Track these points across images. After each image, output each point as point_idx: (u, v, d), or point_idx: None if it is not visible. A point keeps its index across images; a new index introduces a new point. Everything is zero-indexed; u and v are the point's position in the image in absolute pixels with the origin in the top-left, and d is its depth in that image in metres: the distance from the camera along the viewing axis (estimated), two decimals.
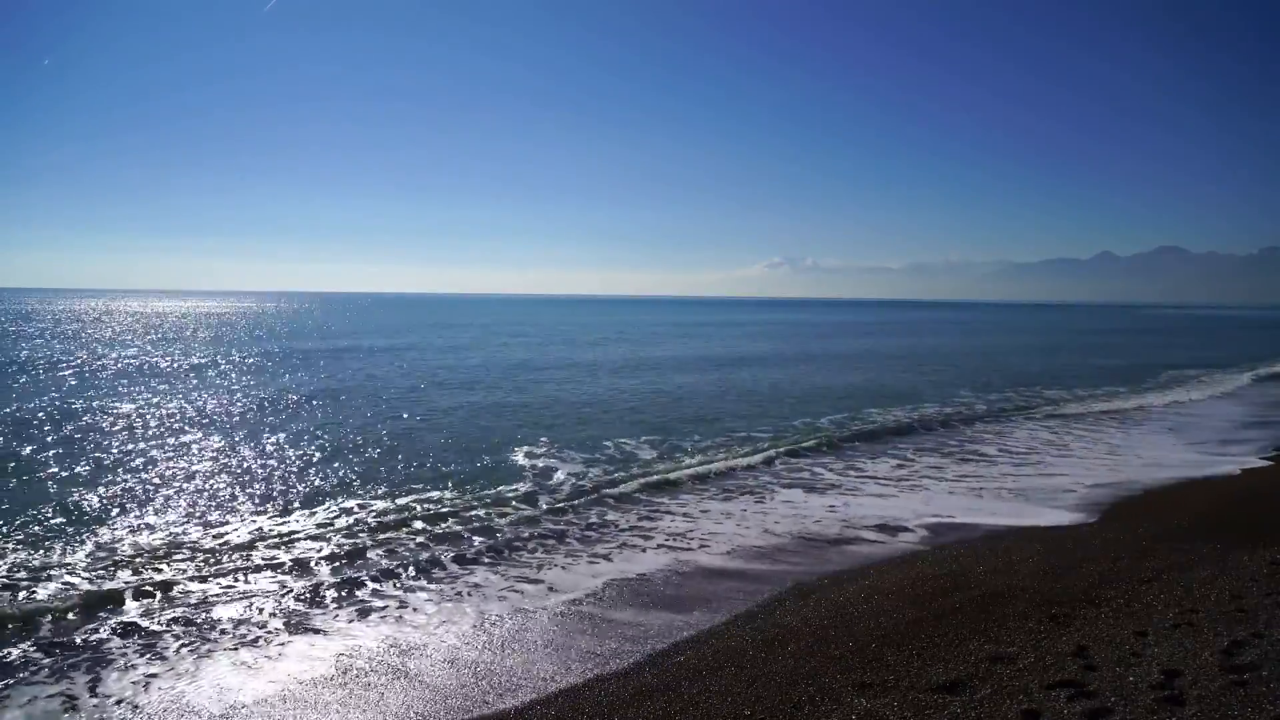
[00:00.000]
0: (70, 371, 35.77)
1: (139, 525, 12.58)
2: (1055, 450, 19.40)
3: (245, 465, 17.15)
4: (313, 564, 10.95)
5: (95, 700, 7.20)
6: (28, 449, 18.25)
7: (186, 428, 21.70)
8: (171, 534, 12.13)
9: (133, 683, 7.52)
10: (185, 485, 15.25)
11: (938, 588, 9.36)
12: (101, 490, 14.65)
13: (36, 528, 12.28)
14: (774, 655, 7.69)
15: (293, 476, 16.14)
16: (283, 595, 9.76)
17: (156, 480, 15.57)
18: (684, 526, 12.78)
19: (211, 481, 15.59)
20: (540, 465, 17.42)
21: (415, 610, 9.36)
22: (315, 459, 17.80)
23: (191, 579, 10.23)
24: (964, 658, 7.25)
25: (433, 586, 10.16)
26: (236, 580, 10.25)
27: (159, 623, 8.89)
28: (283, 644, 8.39)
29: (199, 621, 8.94)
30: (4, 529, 12.18)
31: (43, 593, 9.67)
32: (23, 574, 10.26)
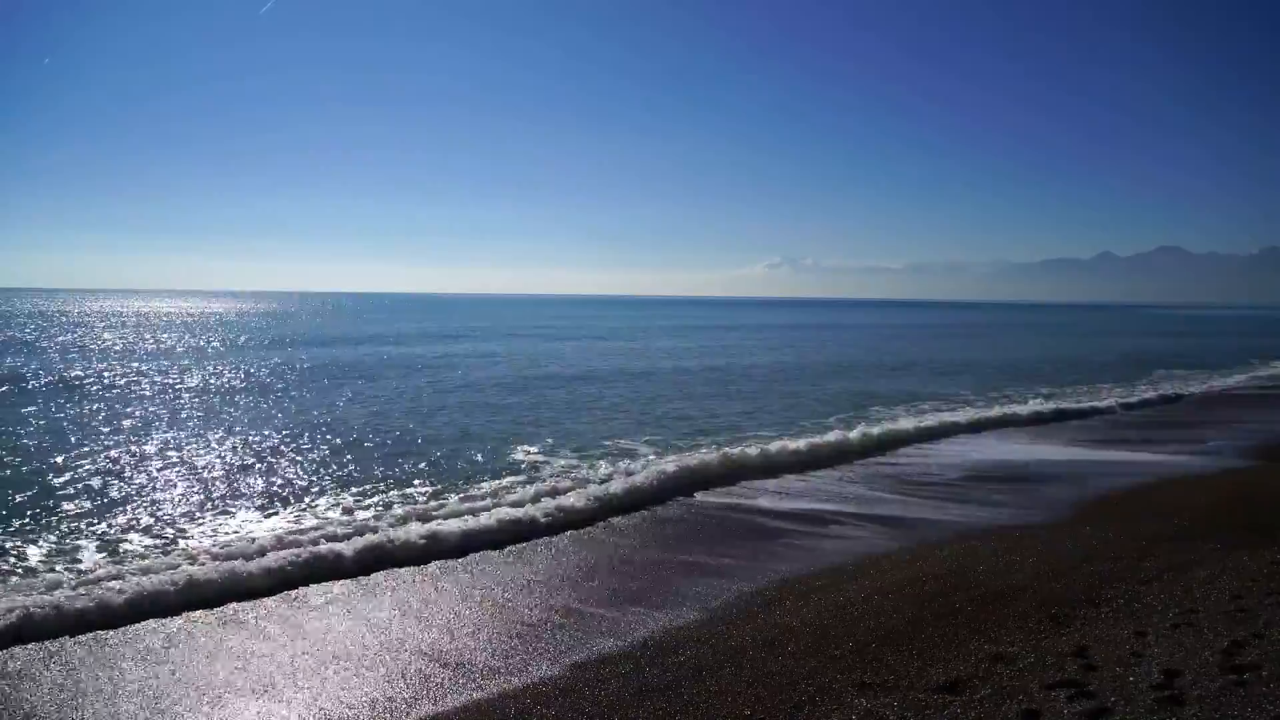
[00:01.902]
0: (82, 374, 35.76)
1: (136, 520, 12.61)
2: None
3: (213, 465, 17.17)
4: (277, 561, 10.92)
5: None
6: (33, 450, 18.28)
7: (187, 426, 21.70)
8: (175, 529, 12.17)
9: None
10: (186, 482, 15.27)
11: (938, 588, 9.36)
12: (112, 484, 14.69)
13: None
14: (774, 655, 7.69)
15: (267, 473, 16.15)
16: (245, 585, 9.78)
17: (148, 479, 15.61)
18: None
19: (199, 480, 15.62)
20: (533, 461, 17.46)
21: (397, 602, 9.39)
22: (297, 456, 17.81)
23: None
24: (964, 658, 7.25)
25: (419, 578, 10.20)
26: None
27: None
28: (259, 629, 8.41)
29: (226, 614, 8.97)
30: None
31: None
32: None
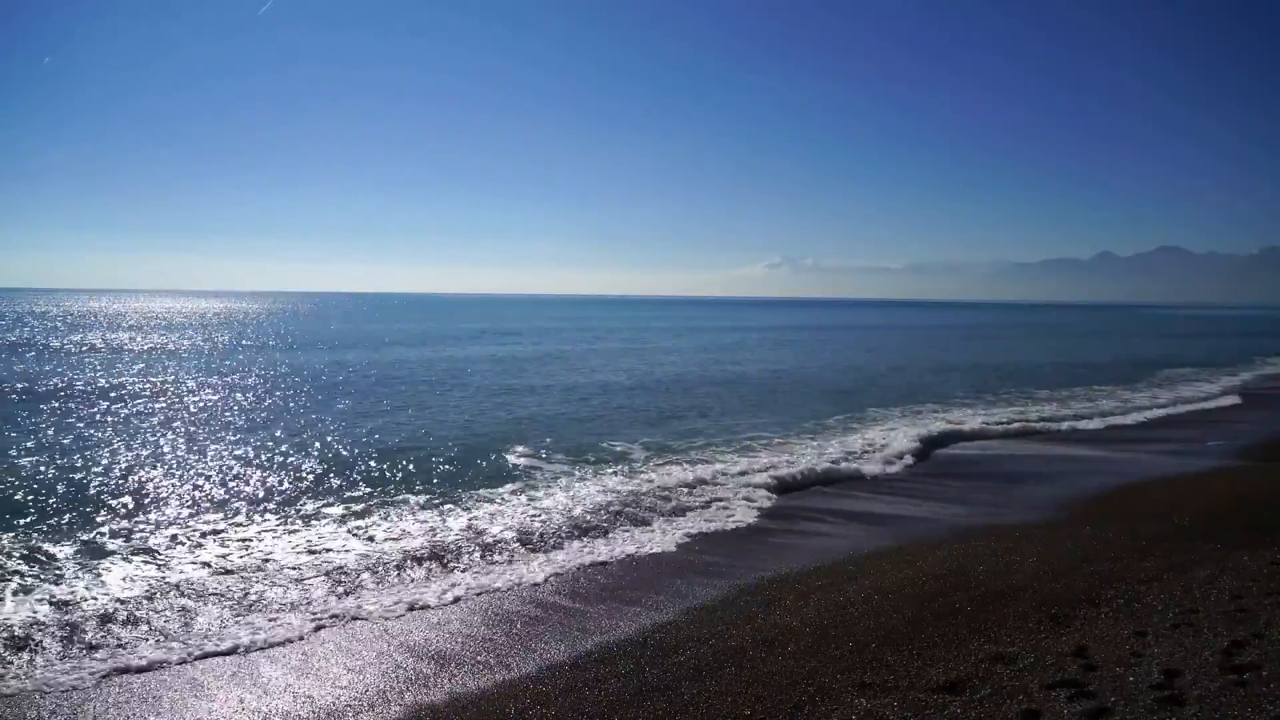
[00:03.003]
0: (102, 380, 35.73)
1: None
2: None
3: (210, 472, 17.17)
4: (267, 574, 10.94)
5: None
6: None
7: (187, 429, 21.70)
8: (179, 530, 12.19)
9: None
10: (186, 485, 15.27)
11: (938, 588, 9.36)
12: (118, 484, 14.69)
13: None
14: (774, 655, 7.69)
15: (262, 477, 16.16)
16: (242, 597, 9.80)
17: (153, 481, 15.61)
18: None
19: (194, 483, 15.63)
20: (526, 465, 17.46)
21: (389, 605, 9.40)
22: (292, 458, 17.81)
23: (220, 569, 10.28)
24: (964, 658, 7.25)
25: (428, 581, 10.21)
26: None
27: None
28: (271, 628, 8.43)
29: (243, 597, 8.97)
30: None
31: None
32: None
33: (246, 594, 9.75)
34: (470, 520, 13.06)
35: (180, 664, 7.93)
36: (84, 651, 8.14)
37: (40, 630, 8.54)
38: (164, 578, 10.19)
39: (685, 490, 15.07)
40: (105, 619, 8.88)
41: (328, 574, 10.49)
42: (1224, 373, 39.82)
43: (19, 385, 30.31)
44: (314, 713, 6.98)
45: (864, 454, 18.43)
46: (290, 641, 8.50)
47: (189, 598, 9.55)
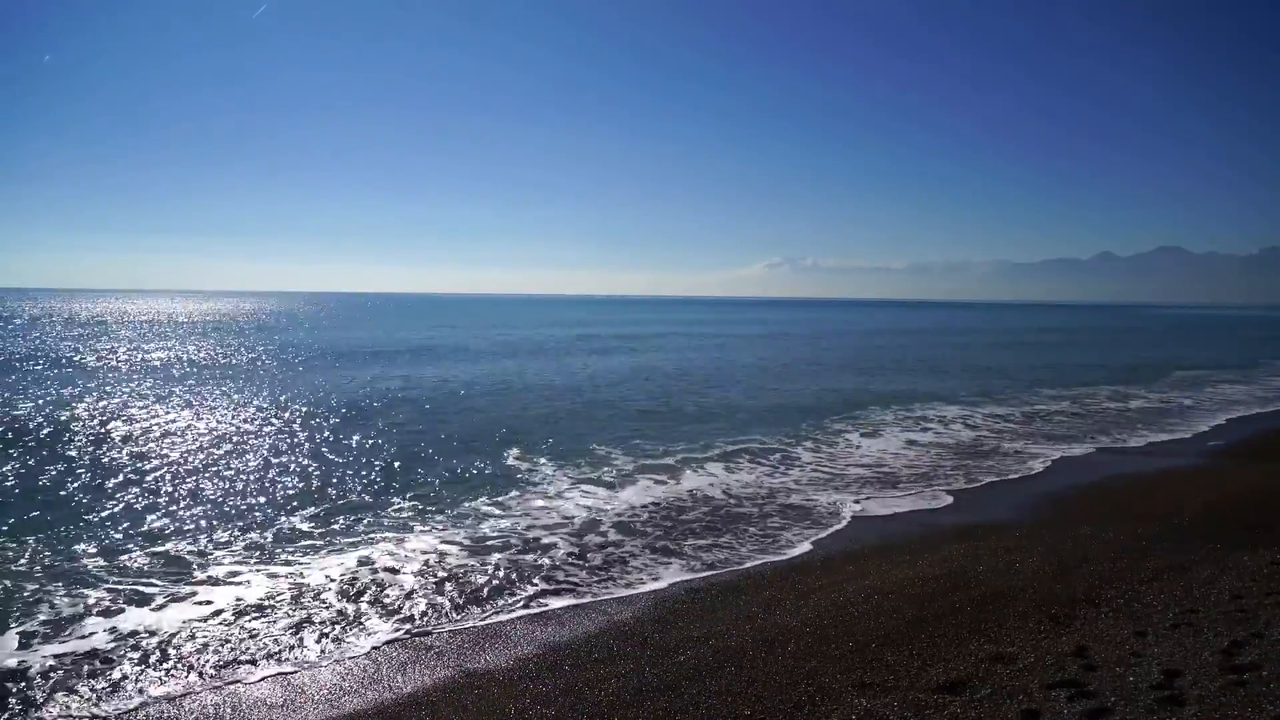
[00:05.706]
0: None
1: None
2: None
3: (211, 481, 17.18)
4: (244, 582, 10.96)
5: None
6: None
7: (184, 435, 21.72)
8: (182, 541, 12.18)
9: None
10: (190, 491, 15.29)
11: (938, 588, 9.36)
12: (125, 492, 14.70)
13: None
14: (774, 655, 7.69)
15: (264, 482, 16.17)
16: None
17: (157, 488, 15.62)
18: None
19: (202, 488, 15.64)
20: (523, 468, 17.48)
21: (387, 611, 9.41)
22: (291, 460, 17.83)
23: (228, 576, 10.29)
24: (964, 658, 7.25)
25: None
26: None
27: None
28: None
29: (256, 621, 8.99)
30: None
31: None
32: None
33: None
34: (472, 532, 13.12)
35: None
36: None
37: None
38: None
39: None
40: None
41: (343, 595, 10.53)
42: (1236, 375, 39.79)
43: (17, 401, 30.33)
44: (315, 709, 7.00)
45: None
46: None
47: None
